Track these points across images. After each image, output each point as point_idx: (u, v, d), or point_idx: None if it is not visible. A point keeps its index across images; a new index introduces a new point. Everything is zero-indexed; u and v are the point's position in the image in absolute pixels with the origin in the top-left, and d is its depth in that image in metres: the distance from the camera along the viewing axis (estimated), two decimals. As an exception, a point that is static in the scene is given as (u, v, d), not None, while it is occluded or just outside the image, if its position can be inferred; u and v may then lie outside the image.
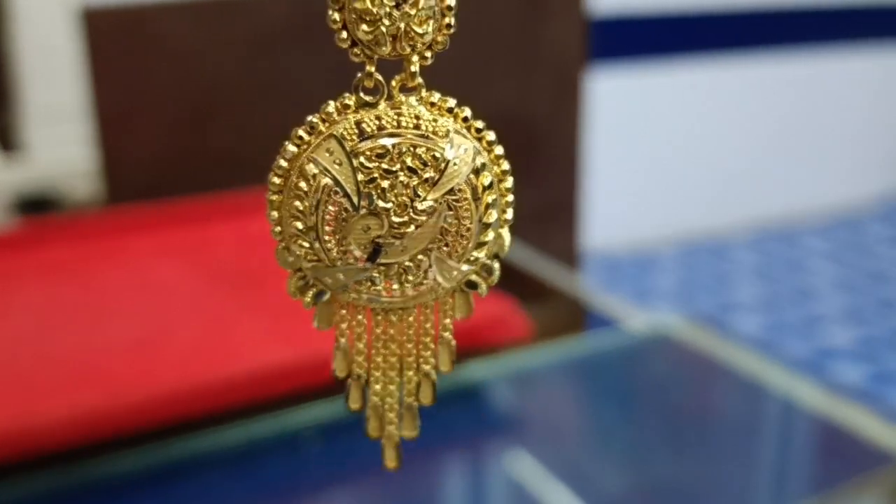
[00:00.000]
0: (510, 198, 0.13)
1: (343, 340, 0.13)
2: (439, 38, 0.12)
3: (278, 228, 0.13)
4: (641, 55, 2.15)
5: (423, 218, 0.12)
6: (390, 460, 0.14)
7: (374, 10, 0.12)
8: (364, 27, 0.12)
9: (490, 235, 0.13)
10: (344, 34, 0.12)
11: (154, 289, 0.62)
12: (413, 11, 0.12)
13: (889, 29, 2.42)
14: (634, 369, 0.62)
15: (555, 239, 1.03)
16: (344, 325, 0.13)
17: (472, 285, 0.13)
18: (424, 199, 0.12)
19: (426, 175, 0.12)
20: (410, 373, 0.14)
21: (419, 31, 0.12)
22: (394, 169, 0.12)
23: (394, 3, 0.12)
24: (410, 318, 0.13)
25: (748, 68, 2.34)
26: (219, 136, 0.84)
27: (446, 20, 0.12)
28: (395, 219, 0.12)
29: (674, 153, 2.33)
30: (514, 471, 0.50)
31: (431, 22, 0.12)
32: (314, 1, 0.86)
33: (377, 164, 0.12)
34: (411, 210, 0.12)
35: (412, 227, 0.12)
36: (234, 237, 0.72)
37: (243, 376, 0.49)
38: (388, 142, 0.12)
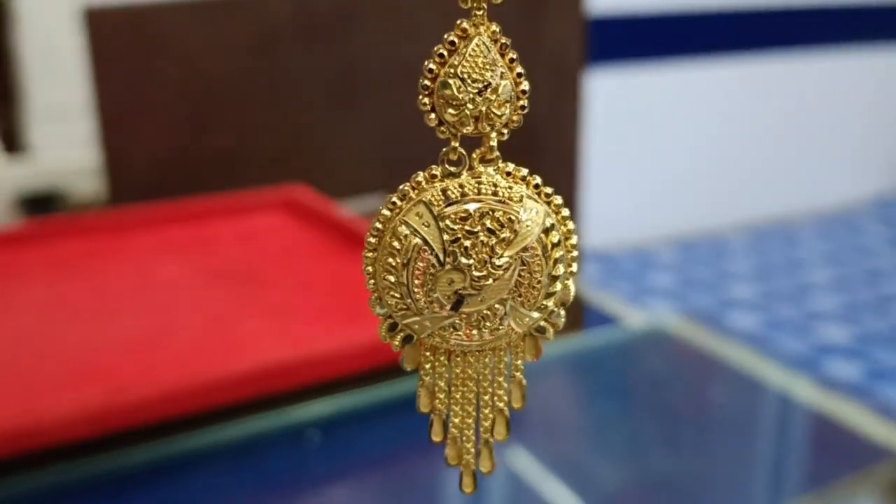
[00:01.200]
0: (575, 253, 0.15)
1: (427, 379, 0.15)
2: (514, 118, 0.14)
3: (372, 282, 0.15)
4: (639, 54, 2.15)
5: (500, 272, 0.14)
6: (467, 486, 0.16)
7: (460, 96, 0.14)
8: (451, 111, 0.14)
9: (558, 286, 0.15)
10: (432, 116, 0.14)
11: (156, 287, 0.63)
12: (493, 97, 0.14)
13: (886, 29, 2.43)
14: (632, 366, 0.63)
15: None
16: (428, 366, 0.15)
17: (541, 330, 0.15)
18: (501, 256, 0.14)
19: (503, 235, 0.14)
20: (486, 410, 0.15)
21: (498, 113, 0.14)
22: (475, 230, 0.14)
23: (477, 90, 0.14)
24: (486, 360, 0.15)
25: (746, 68, 2.34)
26: (220, 135, 0.85)
27: (521, 102, 0.14)
28: (476, 273, 0.14)
29: (671, 152, 2.34)
30: (512, 466, 0.50)
31: (508, 105, 0.14)
32: (315, 1, 0.86)
33: (461, 225, 0.14)
34: (490, 265, 0.14)
35: (490, 280, 0.14)
36: (236, 236, 0.73)
37: (245, 373, 0.50)
38: (470, 206, 0.14)
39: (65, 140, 0.85)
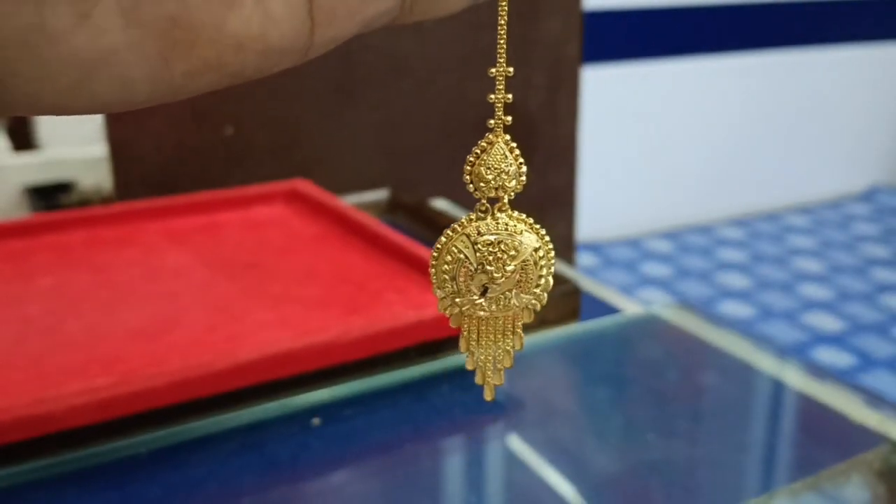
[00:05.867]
0: (552, 260, 0.26)
1: (465, 334, 0.26)
2: (519, 187, 0.25)
3: (434, 278, 0.25)
4: (633, 48, 2.14)
5: (510, 274, 0.25)
6: (488, 395, 0.26)
7: (487, 177, 0.25)
8: (482, 184, 0.25)
9: (542, 281, 0.26)
10: (471, 186, 0.25)
11: (162, 276, 0.63)
12: (506, 177, 0.25)
13: (879, 24, 2.42)
14: (627, 354, 0.63)
15: (551, 227, 1.04)
16: (465, 326, 0.26)
17: (533, 305, 0.26)
18: (510, 265, 0.25)
19: (511, 253, 0.25)
20: (500, 351, 0.26)
21: (510, 185, 0.25)
22: (495, 251, 0.25)
23: (496, 173, 0.25)
24: (500, 322, 0.26)
25: (739, 62, 2.34)
26: (222, 129, 0.85)
27: (523, 178, 0.25)
28: (496, 275, 0.25)
29: (665, 145, 2.34)
30: (509, 453, 0.50)
31: (514, 180, 0.25)
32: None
33: (487, 248, 0.25)
34: (503, 271, 0.25)
35: (504, 279, 0.25)
36: (239, 228, 0.73)
37: (248, 361, 0.50)
38: (492, 237, 0.25)
39: (72, 136, 0.85)
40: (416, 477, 0.49)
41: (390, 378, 0.55)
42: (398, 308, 0.60)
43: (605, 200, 2.21)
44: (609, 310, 0.68)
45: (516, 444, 0.52)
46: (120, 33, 0.19)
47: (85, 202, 0.86)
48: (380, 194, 0.90)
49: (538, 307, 0.26)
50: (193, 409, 0.50)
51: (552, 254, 0.25)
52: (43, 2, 0.19)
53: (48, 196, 0.85)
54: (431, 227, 0.81)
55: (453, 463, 0.51)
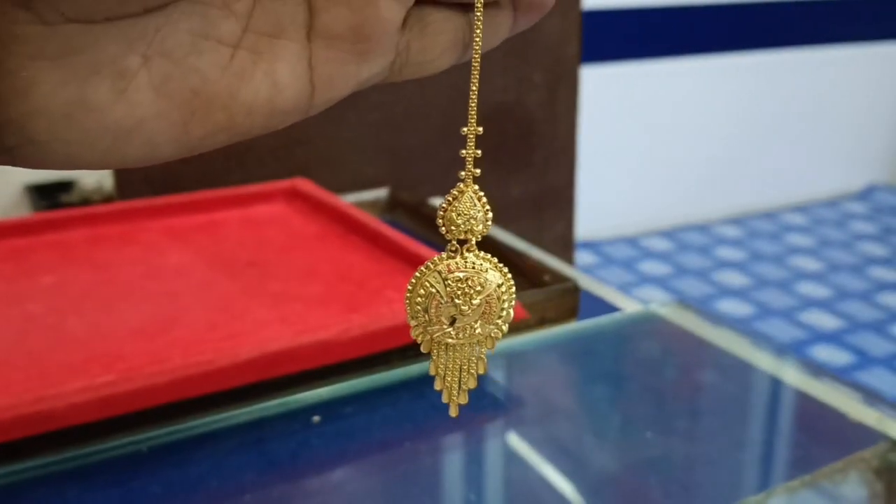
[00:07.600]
0: (513, 295, 0.28)
1: (435, 358, 0.29)
2: (486, 230, 0.28)
3: (409, 308, 0.28)
4: (631, 47, 2.14)
5: (475, 307, 0.28)
6: (453, 412, 0.29)
7: (458, 221, 0.27)
8: (453, 227, 0.27)
9: (504, 313, 0.28)
10: (443, 229, 0.28)
11: (163, 275, 0.63)
12: (474, 222, 0.27)
13: (878, 24, 2.41)
14: (626, 352, 0.63)
15: (549, 226, 1.04)
16: (435, 351, 0.28)
17: (495, 335, 0.29)
18: (476, 300, 0.28)
19: (477, 289, 0.28)
20: (464, 373, 0.29)
21: (477, 228, 0.27)
22: (463, 286, 0.28)
23: (466, 219, 0.27)
24: (466, 348, 0.29)
25: (737, 61, 2.34)
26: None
27: (489, 223, 0.28)
28: (463, 307, 0.28)
29: (663, 144, 2.34)
30: (508, 451, 0.50)
31: (482, 224, 0.27)
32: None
33: (457, 284, 0.28)
34: (471, 304, 0.28)
35: (470, 311, 0.28)
36: (240, 226, 0.73)
37: (248, 358, 0.50)
38: (460, 274, 0.28)
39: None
40: (416, 474, 0.49)
41: (390, 376, 0.55)
42: (398, 306, 0.60)
43: (603, 199, 2.21)
44: (608, 308, 0.68)
45: (515, 441, 0.52)
46: (150, 105, 0.22)
47: (86, 201, 0.86)
48: (379, 193, 0.90)
49: (500, 336, 0.29)
50: (194, 407, 0.50)
51: (513, 290, 0.29)
52: (85, 81, 0.22)
53: (49, 195, 0.85)
54: (431, 225, 0.81)
55: (453, 460, 0.51)
